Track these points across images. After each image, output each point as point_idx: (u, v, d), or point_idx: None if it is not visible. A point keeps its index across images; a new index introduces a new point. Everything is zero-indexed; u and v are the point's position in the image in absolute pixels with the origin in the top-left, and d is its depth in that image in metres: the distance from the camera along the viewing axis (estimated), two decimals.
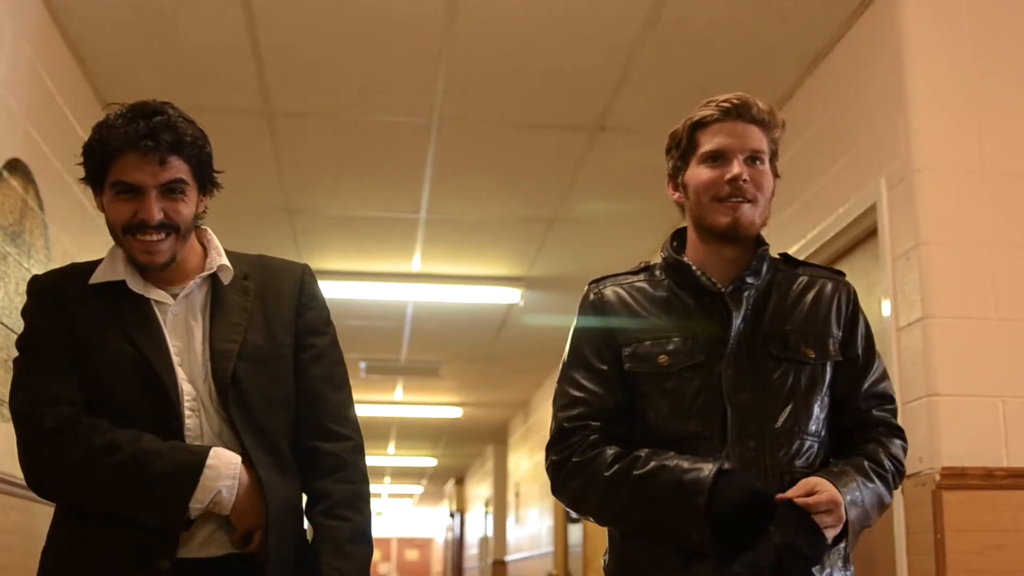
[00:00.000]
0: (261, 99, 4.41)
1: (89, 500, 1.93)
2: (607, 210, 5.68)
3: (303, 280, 2.15)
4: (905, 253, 3.29)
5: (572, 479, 2.01)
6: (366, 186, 5.40)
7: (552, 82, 4.27)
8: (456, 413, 11.85)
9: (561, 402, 2.08)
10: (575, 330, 2.13)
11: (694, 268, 2.07)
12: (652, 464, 1.93)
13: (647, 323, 2.06)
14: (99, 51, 4.01)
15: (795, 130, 4.23)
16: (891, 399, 2.14)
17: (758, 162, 2.05)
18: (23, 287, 3.38)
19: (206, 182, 2.04)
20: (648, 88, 4.29)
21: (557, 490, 2.07)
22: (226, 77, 4.23)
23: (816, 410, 2.03)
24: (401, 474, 19.80)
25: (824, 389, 2.05)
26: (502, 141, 4.85)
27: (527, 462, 11.48)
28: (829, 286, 2.13)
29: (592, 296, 2.14)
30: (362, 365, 9.45)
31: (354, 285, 6.86)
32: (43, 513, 1.91)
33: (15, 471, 2.94)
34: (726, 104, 2.06)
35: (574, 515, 7.80)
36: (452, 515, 20.44)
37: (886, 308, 3.38)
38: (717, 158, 2.04)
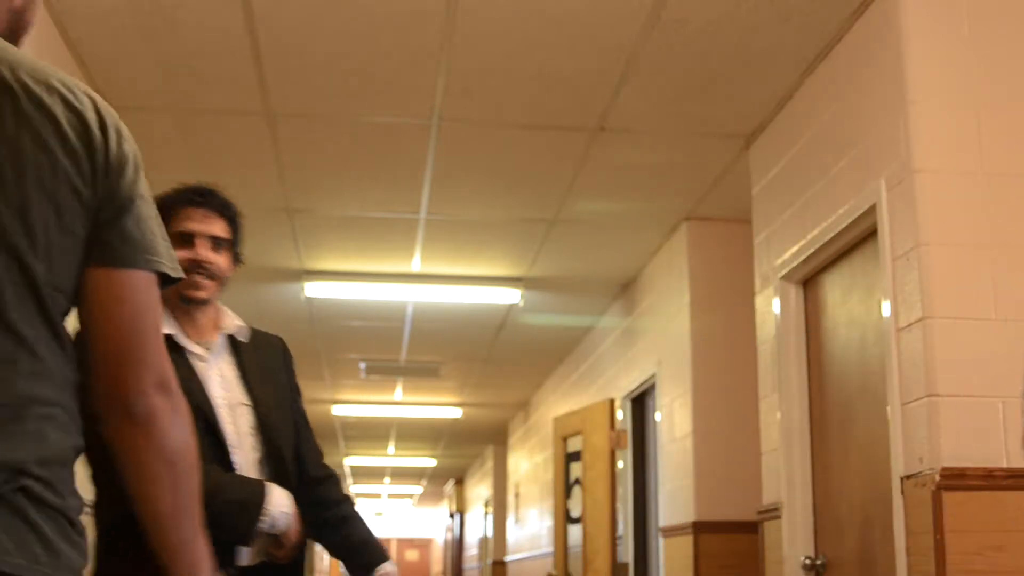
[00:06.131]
0: (261, 100, 4.41)
1: None
2: (607, 210, 5.68)
3: (283, 347, 2.58)
4: (905, 254, 3.29)
5: None
6: (366, 186, 5.40)
7: (552, 83, 4.27)
8: (456, 413, 11.85)
9: None
10: None
11: None
12: None
13: None
14: (99, 52, 4.01)
15: (795, 131, 4.24)
16: None
17: None
18: None
19: (238, 253, 2.43)
20: (648, 88, 4.29)
21: None
22: (226, 78, 4.23)
23: None
24: (401, 474, 19.81)
25: None
26: (502, 142, 4.85)
27: (527, 462, 11.47)
28: None
29: None
30: (362, 365, 9.45)
31: (354, 285, 6.86)
32: None
33: None
34: None
35: (574, 515, 7.84)
36: (452, 515, 20.43)
37: (886, 309, 3.38)
38: None
